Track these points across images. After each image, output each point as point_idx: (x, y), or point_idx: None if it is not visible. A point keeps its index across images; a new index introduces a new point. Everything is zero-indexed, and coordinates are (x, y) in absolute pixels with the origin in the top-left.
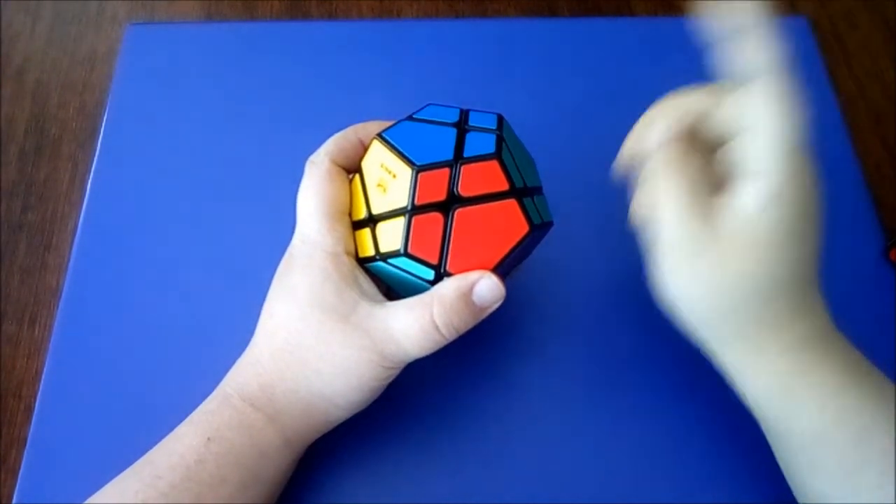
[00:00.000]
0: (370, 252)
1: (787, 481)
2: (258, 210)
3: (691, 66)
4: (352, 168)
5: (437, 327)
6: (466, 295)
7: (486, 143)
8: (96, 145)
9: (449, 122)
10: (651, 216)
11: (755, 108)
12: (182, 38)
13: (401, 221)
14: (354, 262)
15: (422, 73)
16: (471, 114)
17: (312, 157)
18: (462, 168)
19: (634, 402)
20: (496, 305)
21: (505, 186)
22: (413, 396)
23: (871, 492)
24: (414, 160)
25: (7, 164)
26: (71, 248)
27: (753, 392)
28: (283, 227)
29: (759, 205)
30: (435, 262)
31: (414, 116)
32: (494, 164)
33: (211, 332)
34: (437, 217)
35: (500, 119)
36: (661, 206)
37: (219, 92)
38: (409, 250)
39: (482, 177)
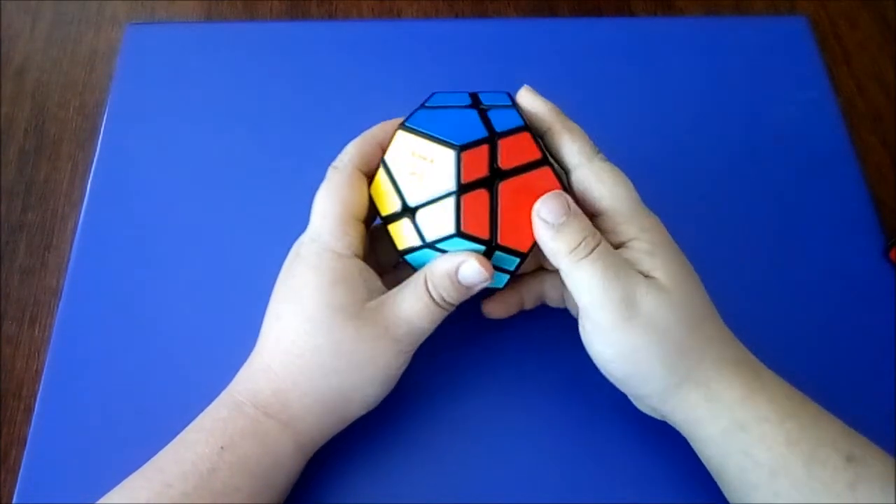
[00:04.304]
0: (413, 243)
1: None
2: (258, 210)
3: (691, 66)
4: (371, 174)
5: (433, 299)
6: (451, 274)
7: (511, 118)
8: (96, 145)
9: (464, 104)
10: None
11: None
12: (182, 38)
13: (449, 202)
14: (363, 264)
15: (422, 73)
16: (481, 94)
17: (335, 163)
18: (500, 142)
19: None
20: (482, 285)
21: (538, 155)
22: (412, 397)
23: None
24: (453, 141)
25: (7, 164)
26: (71, 248)
27: (709, 436)
28: (283, 226)
29: (658, 296)
30: (486, 237)
31: (427, 105)
32: (527, 135)
33: (211, 332)
34: (482, 193)
35: (510, 95)
36: (585, 286)
37: (219, 92)
38: (463, 229)
39: (517, 149)
